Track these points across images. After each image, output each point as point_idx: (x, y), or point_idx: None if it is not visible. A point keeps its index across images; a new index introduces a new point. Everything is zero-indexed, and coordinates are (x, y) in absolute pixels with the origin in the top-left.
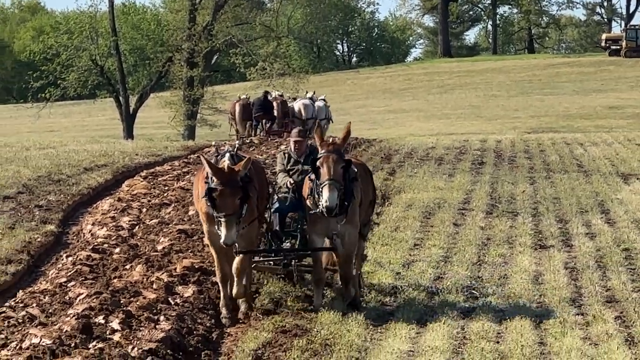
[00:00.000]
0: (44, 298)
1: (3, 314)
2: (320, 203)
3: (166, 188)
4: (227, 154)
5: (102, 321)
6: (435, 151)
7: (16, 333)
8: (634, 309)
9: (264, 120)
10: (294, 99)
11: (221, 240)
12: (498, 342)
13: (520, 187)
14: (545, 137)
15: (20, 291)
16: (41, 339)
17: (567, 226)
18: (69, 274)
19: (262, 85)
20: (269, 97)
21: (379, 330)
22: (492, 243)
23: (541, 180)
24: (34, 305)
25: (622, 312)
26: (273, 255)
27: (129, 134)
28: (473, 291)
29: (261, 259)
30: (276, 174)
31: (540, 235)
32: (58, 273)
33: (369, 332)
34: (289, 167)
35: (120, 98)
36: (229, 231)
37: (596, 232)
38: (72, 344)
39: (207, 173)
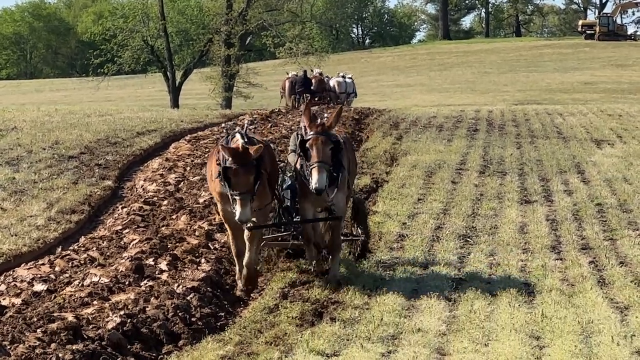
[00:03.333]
0: (103, 243)
1: (67, 257)
2: (310, 184)
3: (207, 150)
4: (238, 134)
5: (152, 263)
6: (436, 120)
7: (79, 272)
8: (605, 255)
9: (305, 94)
10: (328, 77)
11: (236, 217)
12: (489, 283)
13: (509, 151)
14: (530, 108)
15: (82, 237)
16: (100, 278)
17: (548, 184)
18: (124, 222)
19: (289, 62)
20: (309, 75)
21: (388, 272)
22: (485, 198)
23: (526, 145)
24: (94, 249)
25: (595, 258)
26: (283, 229)
27: (175, 103)
28: (468, 239)
29: (271, 235)
30: (289, 153)
31: (525, 192)
32: (114, 222)
33: (379, 272)
34: None
35: (168, 73)
36: (244, 208)
37: (573, 190)
38: (126, 282)
39: (219, 155)
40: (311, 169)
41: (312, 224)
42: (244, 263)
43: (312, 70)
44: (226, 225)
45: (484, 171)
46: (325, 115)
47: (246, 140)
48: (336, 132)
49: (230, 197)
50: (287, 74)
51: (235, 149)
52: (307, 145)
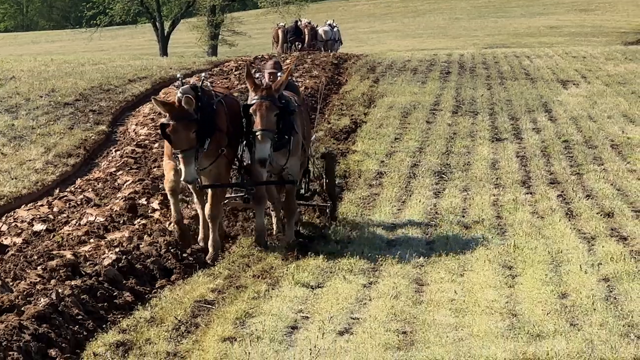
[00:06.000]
0: (98, 184)
1: (65, 198)
2: (254, 153)
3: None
4: (181, 87)
5: (145, 202)
6: (411, 63)
7: (76, 212)
8: (572, 189)
9: (296, 43)
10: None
11: (181, 178)
12: (463, 216)
13: (480, 92)
14: (499, 51)
15: (79, 179)
16: (96, 217)
17: (518, 123)
18: (118, 164)
19: (271, 11)
20: (300, 25)
21: (367, 207)
22: (458, 137)
23: (496, 86)
24: (90, 190)
25: (562, 192)
26: (236, 191)
27: (164, 52)
28: (443, 175)
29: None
30: None
31: (496, 130)
32: (108, 164)
33: (359, 209)
34: None
35: (157, 23)
36: (187, 167)
37: (541, 127)
38: (121, 221)
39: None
40: (254, 137)
41: (265, 189)
42: (210, 240)
43: (301, 20)
44: (166, 167)
45: (457, 111)
46: (279, 74)
47: (199, 94)
48: (291, 95)
49: (173, 156)
50: (278, 24)
51: (170, 104)
52: (251, 111)
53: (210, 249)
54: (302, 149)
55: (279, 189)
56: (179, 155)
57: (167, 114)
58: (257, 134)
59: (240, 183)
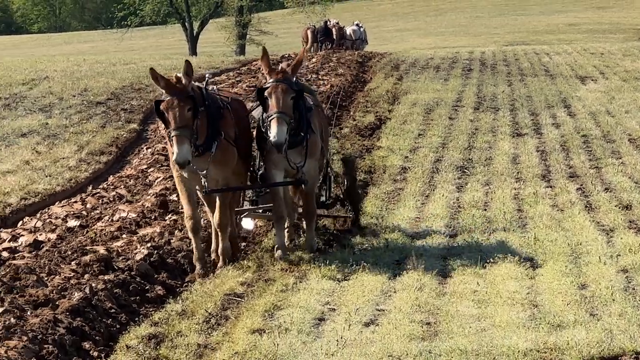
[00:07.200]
0: (130, 181)
1: (97, 194)
2: (268, 138)
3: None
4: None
5: (175, 199)
6: (433, 61)
7: (108, 209)
8: (591, 182)
9: (326, 42)
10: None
11: (173, 158)
12: (485, 210)
13: (501, 88)
14: (519, 48)
15: (111, 176)
16: (128, 213)
17: (538, 118)
18: (149, 162)
19: (296, 11)
20: (329, 25)
21: (392, 202)
22: (479, 132)
23: (516, 83)
24: (122, 187)
25: (582, 185)
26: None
27: (193, 51)
28: (465, 170)
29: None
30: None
31: (516, 126)
32: (140, 161)
33: (384, 203)
34: None
35: (186, 24)
36: (180, 146)
37: (560, 123)
38: (152, 217)
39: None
40: (270, 121)
41: (281, 195)
42: (219, 253)
43: (330, 21)
44: (180, 193)
45: (478, 107)
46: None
47: (203, 93)
48: (307, 96)
49: (168, 138)
50: (309, 24)
51: (168, 79)
52: (266, 94)
53: (220, 260)
54: (321, 151)
55: (294, 191)
56: (172, 134)
57: (163, 90)
58: (272, 116)
59: (249, 185)
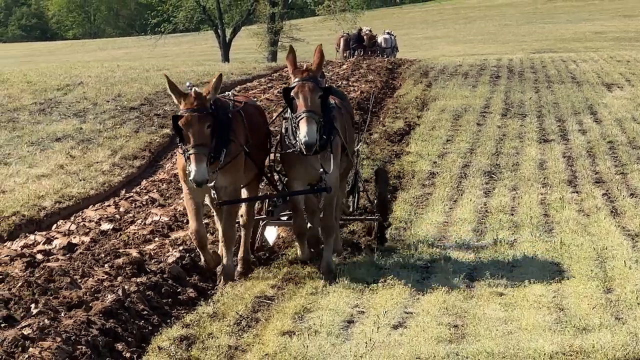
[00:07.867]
0: (162, 185)
1: (131, 198)
2: (297, 139)
3: (255, 99)
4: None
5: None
6: (462, 68)
7: (141, 212)
8: (617, 188)
9: (359, 49)
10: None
11: (190, 177)
12: (512, 215)
13: (528, 95)
14: (546, 56)
15: (144, 180)
16: (160, 217)
17: (564, 124)
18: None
19: (327, 19)
20: (362, 33)
21: (421, 206)
22: (507, 138)
23: (543, 89)
24: (155, 191)
25: (607, 190)
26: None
27: (225, 58)
28: (492, 175)
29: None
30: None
31: (543, 132)
32: (172, 166)
33: (413, 208)
34: None
35: (219, 31)
36: (198, 165)
37: (587, 129)
38: (184, 220)
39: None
40: (299, 121)
41: (302, 207)
42: (225, 268)
43: (362, 29)
44: (187, 206)
45: (506, 114)
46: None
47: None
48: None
49: (184, 155)
50: (344, 32)
51: (186, 93)
52: (292, 93)
53: (221, 278)
54: (345, 155)
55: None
56: (190, 152)
57: (181, 105)
58: (301, 116)
59: (265, 195)
